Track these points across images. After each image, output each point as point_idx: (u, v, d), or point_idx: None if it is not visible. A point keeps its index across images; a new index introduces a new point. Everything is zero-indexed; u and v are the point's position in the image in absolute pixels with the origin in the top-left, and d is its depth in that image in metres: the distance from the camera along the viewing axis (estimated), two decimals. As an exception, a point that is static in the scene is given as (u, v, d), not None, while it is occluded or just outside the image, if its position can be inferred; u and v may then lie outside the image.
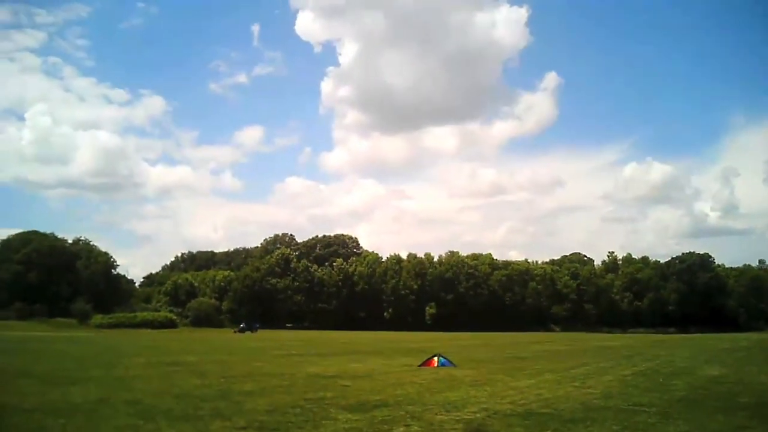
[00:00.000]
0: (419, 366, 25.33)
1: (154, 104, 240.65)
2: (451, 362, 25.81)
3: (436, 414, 12.96)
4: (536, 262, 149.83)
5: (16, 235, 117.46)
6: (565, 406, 14.06)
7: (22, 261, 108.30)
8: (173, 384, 18.31)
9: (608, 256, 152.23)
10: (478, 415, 12.85)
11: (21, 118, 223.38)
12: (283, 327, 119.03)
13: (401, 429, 11.43)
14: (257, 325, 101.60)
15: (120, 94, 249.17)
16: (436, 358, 26.07)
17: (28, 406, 13.74)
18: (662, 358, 31.78)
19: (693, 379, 20.31)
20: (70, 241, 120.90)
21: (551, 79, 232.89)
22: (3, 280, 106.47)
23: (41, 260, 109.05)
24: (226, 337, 74.25)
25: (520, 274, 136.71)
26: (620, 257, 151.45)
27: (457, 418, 12.55)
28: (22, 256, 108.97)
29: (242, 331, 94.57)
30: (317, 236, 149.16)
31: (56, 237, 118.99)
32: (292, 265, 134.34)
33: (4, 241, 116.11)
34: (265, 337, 72.78)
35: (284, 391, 16.56)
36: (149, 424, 11.67)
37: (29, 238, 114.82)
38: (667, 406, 14.02)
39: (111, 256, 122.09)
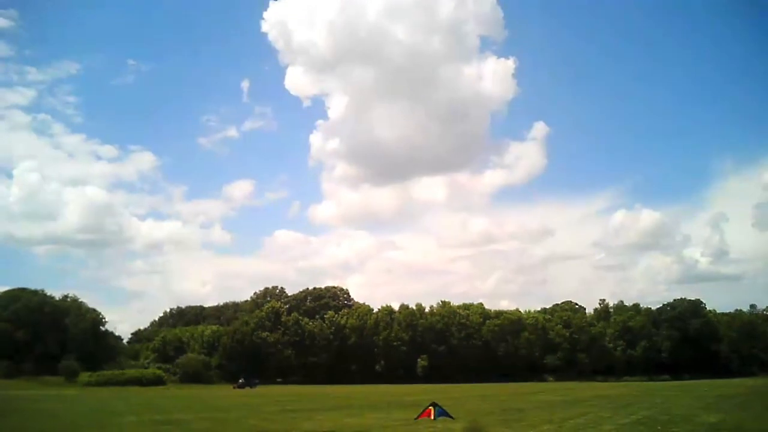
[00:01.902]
0: (415, 419, 25.08)
1: (143, 159, 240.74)
2: (447, 413, 25.60)
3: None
4: (528, 311, 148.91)
5: (5, 292, 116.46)
6: (567, 457, 14.01)
7: (9, 319, 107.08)
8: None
9: (600, 304, 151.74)
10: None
11: (9, 175, 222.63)
12: (273, 382, 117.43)
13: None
14: (257, 381, 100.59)
15: (109, 150, 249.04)
16: (432, 408, 25.84)
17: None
18: (659, 406, 31.63)
19: (692, 427, 20.29)
20: (58, 298, 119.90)
21: (539, 128, 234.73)
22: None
23: (29, 317, 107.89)
24: (220, 393, 73.04)
25: (512, 324, 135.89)
26: (612, 305, 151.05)
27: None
28: (10, 314, 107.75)
29: (242, 386, 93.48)
30: (308, 289, 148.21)
31: (45, 294, 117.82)
32: (283, 318, 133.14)
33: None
34: (259, 393, 71.80)
35: (283, 448, 16.40)
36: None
37: (18, 295, 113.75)
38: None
39: (99, 313, 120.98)
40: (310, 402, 43.42)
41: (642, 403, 34.47)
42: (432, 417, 25.00)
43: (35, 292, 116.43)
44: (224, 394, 70.92)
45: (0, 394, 61.18)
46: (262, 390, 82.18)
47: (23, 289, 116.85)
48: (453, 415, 25.41)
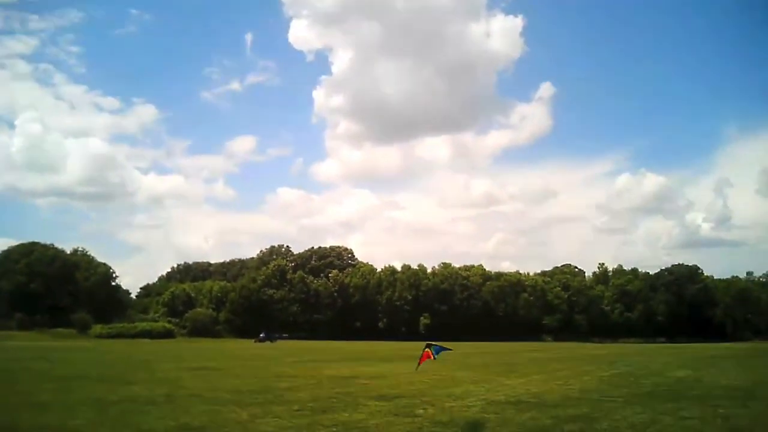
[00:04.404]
0: (417, 368, 27.41)
1: (146, 112, 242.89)
2: (443, 347, 26.27)
3: (445, 402, 16.18)
4: (528, 273, 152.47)
5: (18, 245, 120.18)
6: (549, 397, 17.30)
7: (23, 272, 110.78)
8: (218, 382, 21.41)
9: (599, 268, 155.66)
10: (478, 403, 16.04)
11: (11, 126, 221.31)
12: (279, 337, 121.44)
13: (420, 411, 14.63)
14: (277, 335, 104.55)
15: (112, 102, 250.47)
16: (429, 350, 27.04)
17: (113, 399, 16.69)
18: (639, 363, 35.00)
19: (660, 380, 23.53)
20: (68, 252, 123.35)
21: (546, 89, 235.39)
22: (5, 291, 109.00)
23: (42, 270, 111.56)
24: (238, 346, 77.05)
25: (511, 286, 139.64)
26: (611, 269, 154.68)
27: (462, 405, 15.74)
28: (24, 267, 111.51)
29: (262, 340, 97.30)
30: (313, 248, 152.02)
31: (56, 248, 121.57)
32: (288, 276, 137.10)
33: (5, 251, 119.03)
34: (275, 346, 75.45)
35: (315, 387, 19.76)
36: (225, 409, 14.77)
37: (30, 248, 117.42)
38: (632, 398, 17.25)
39: (110, 267, 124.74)
40: (322, 354, 46.90)
41: (625, 361, 37.85)
42: (432, 357, 26.42)
43: (47, 246, 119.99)
44: (241, 346, 74.71)
45: (27, 345, 64.60)
46: (278, 344, 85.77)
47: (35, 243, 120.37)
48: (449, 347, 26.63)
